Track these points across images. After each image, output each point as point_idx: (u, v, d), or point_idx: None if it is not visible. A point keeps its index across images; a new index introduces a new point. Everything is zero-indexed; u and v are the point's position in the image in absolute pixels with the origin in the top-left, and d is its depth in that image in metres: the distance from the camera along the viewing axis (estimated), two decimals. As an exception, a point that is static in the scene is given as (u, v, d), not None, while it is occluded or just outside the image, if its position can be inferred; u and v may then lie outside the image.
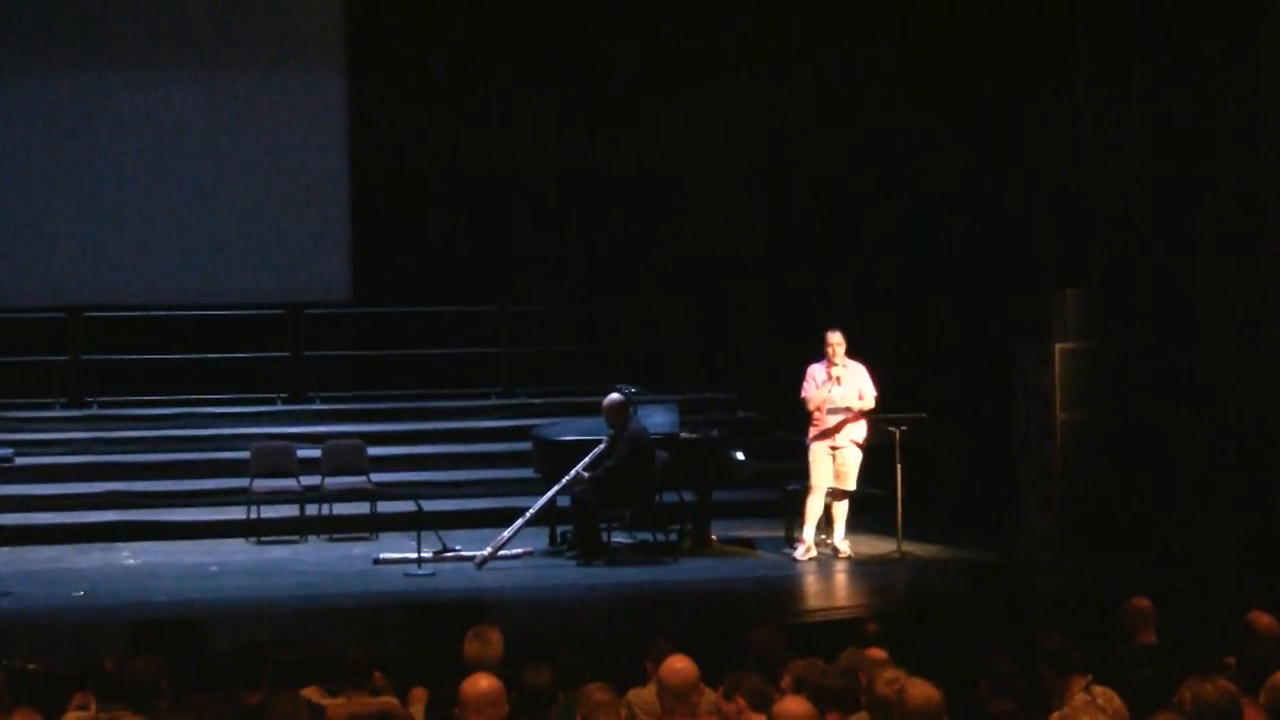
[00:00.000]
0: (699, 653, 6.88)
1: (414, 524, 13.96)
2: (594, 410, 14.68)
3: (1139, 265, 15.14)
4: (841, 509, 14.24)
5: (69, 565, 14.28)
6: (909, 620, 11.17)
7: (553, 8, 19.28)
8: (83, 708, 7.61)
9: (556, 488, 14.16)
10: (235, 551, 14.95)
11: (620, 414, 14.20)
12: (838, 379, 14.07)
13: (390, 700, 7.96)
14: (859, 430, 14.18)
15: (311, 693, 7.88)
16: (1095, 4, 15.69)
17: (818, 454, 14.14)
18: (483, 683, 6.02)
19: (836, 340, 14.14)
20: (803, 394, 14.21)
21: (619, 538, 14.79)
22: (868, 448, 14.26)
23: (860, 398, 14.13)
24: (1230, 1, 14.48)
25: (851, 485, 14.17)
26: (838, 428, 14.11)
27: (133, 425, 17.72)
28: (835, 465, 14.12)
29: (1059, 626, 7.89)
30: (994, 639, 8.65)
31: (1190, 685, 5.92)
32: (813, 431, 14.20)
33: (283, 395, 18.48)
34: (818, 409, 14.12)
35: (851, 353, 14.23)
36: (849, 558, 14.10)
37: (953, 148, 17.38)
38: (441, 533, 14.18)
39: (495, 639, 7.56)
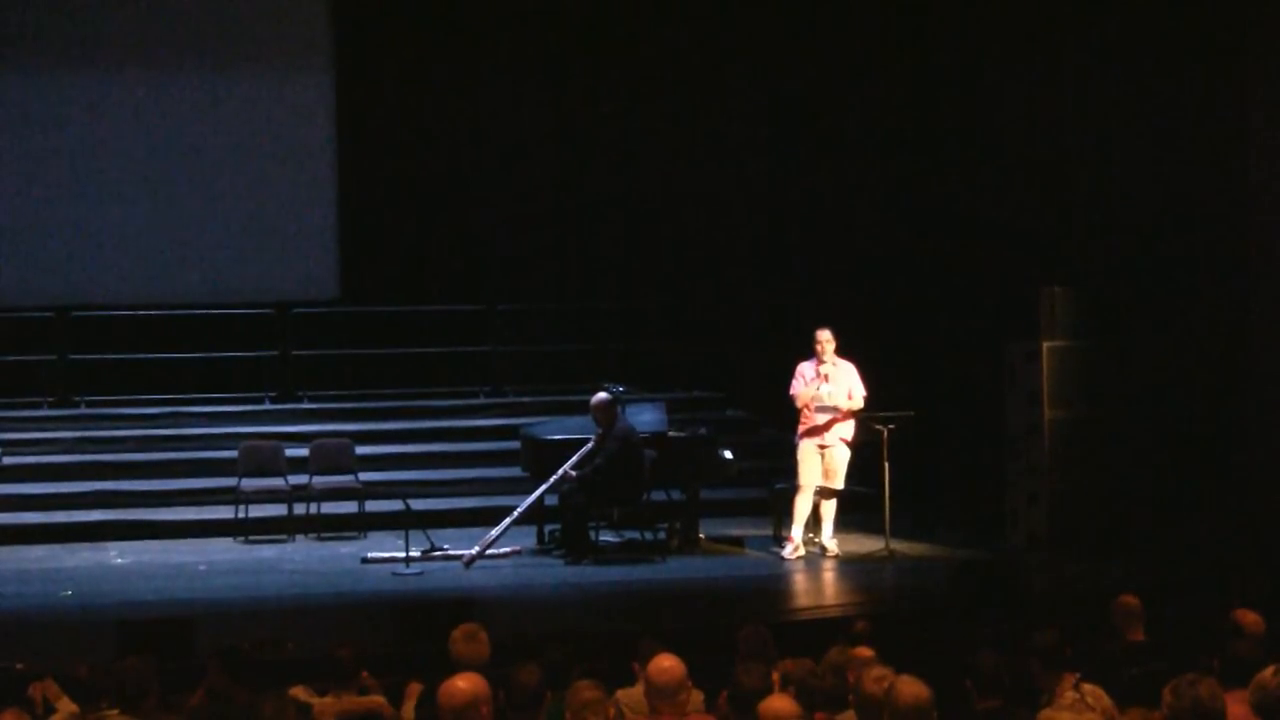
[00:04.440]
0: (687, 652, 6.87)
1: (402, 523, 13.95)
2: (582, 409, 14.67)
3: (1127, 263, 15.16)
4: (829, 508, 14.23)
5: (57, 564, 14.26)
6: (897, 618, 11.17)
7: (541, 7, 19.26)
8: (50, 702, 7.63)
9: (544, 486, 14.15)
10: (223, 551, 14.94)
11: (608, 413, 14.20)
12: (825, 376, 14.06)
13: (378, 699, 7.95)
14: (848, 429, 14.16)
15: (299, 692, 7.88)
16: (1087, 4, 15.72)
17: (806, 452, 14.12)
18: (461, 685, 5.86)
19: (826, 338, 14.13)
20: (791, 391, 14.20)
21: (607, 536, 14.80)
22: (856, 446, 14.26)
23: (849, 396, 14.11)
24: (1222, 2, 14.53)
25: (839, 484, 14.15)
26: (826, 426, 14.08)
27: (121, 424, 17.70)
28: (824, 464, 14.10)
29: (1050, 624, 7.90)
30: (982, 637, 8.65)
31: (1175, 684, 5.92)
32: (801, 429, 14.20)
33: (270, 394, 18.46)
34: (806, 406, 14.11)
35: (841, 351, 14.23)
36: (837, 556, 14.10)
37: (943, 146, 17.40)
38: (429, 532, 14.17)
39: (483, 638, 7.56)
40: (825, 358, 14.10)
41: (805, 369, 14.18)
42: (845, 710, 6.78)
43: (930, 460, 15.74)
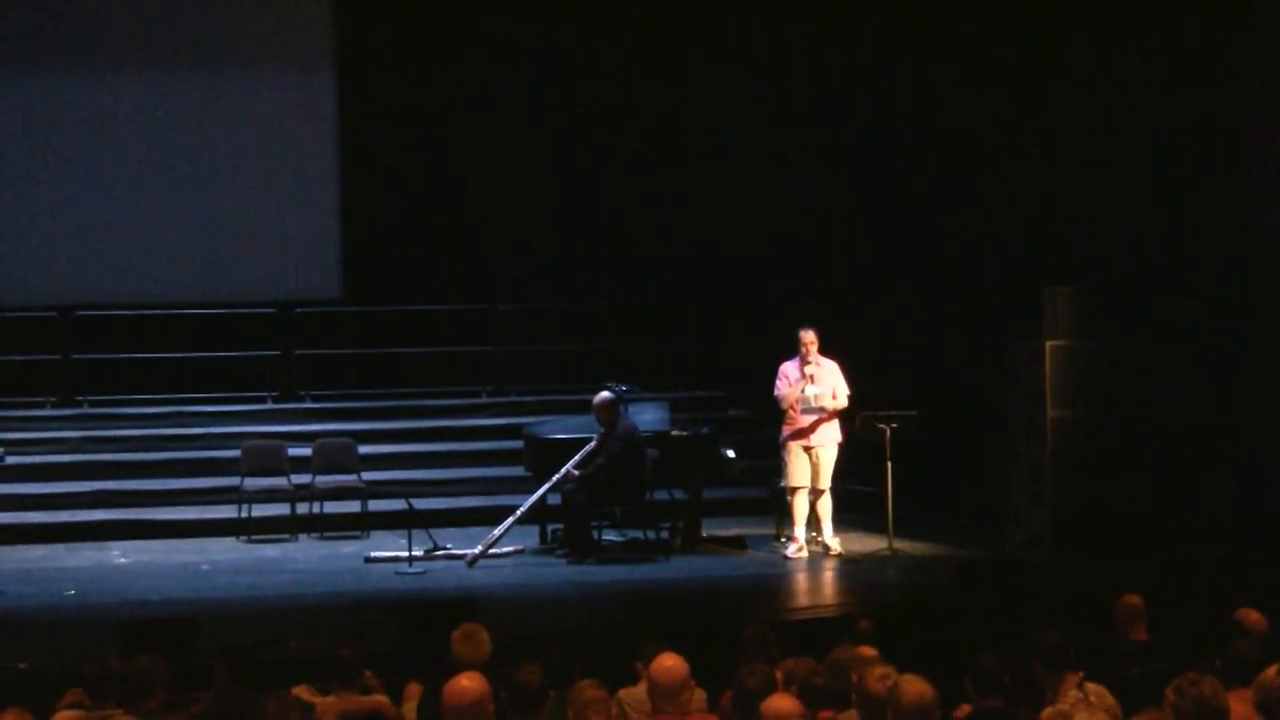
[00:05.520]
0: (689, 651, 6.87)
1: (405, 522, 13.94)
2: (585, 408, 14.67)
3: (1130, 262, 15.16)
4: (825, 507, 14.21)
5: (60, 564, 14.27)
6: (900, 617, 11.16)
7: (542, 9, 19.26)
8: (78, 705, 7.60)
9: (547, 486, 14.15)
10: (226, 550, 14.95)
11: (611, 412, 14.19)
12: (810, 376, 14.05)
13: (380, 699, 7.96)
14: (835, 429, 14.16)
15: (302, 691, 7.87)
16: (1086, 5, 15.73)
17: (794, 453, 14.11)
18: (466, 684, 5.91)
19: (810, 338, 14.12)
20: (776, 392, 14.19)
21: (610, 536, 14.80)
22: (856, 445, 14.26)
23: (834, 396, 14.10)
24: (1219, 3, 14.53)
25: (826, 484, 14.12)
26: (812, 427, 14.06)
27: (124, 424, 17.71)
28: (811, 464, 14.09)
29: (1054, 624, 7.90)
30: (985, 636, 8.65)
31: (1177, 684, 5.93)
32: (787, 430, 14.18)
33: (273, 394, 18.46)
34: (791, 407, 14.10)
35: (844, 351, 14.21)
36: (840, 555, 14.10)
37: (944, 147, 17.40)
38: (432, 531, 14.16)
39: (483, 638, 7.57)
40: (810, 358, 14.10)
41: (790, 370, 14.17)
42: (848, 709, 6.78)
43: (933, 459, 15.73)
